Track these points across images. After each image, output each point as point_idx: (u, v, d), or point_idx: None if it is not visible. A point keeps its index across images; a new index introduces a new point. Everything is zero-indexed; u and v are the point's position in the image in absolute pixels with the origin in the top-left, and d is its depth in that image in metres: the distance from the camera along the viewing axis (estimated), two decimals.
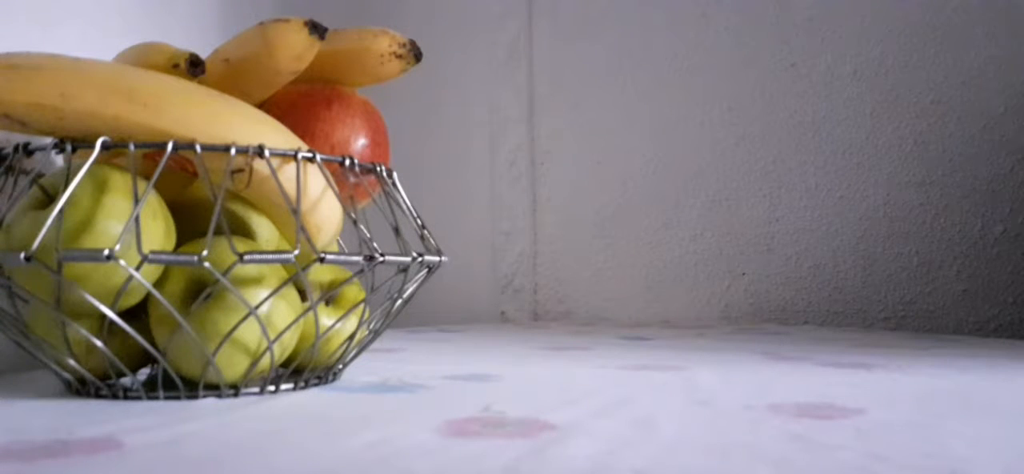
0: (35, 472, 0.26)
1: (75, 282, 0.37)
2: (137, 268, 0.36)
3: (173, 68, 0.43)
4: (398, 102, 0.73)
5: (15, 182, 0.40)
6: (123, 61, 0.45)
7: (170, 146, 0.38)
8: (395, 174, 0.47)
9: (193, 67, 0.43)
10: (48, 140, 0.39)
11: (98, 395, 0.40)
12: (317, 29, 0.45)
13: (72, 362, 0.39)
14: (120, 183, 0.38)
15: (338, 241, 0.51)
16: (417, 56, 0.51)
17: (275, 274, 0.41)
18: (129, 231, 0.36)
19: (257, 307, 0.38)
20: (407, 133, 0.78)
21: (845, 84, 0.90)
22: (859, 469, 0.26)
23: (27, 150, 0.39)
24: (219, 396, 0.40)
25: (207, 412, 0.37)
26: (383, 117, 0.52)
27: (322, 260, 0.38)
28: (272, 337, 0.39)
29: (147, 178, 0.38)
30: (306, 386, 0.44)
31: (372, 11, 0.93)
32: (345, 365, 0.47)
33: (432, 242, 0.47)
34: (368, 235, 0.44)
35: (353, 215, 0.43)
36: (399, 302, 0.45)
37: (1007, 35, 0.83)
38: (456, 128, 1.05)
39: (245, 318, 0.38)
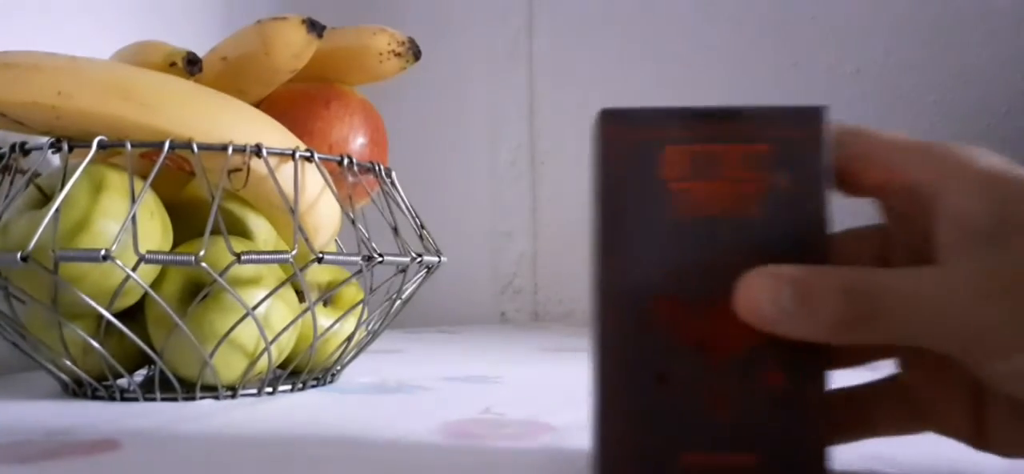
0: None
1: (72, 282, 0.36)
2: (134, 268, 0.35)
3: (170, 67, 0.43)
4: (397, 101, 0.72)
5: (11, 182, 0.40)
6: (120, 60, 0.45)
7: (167, 145, 0.37)
8: (394, 173, 0.47)
9: (190, 65, 0.43)
10: (45, 139, 0.38)
11: (95, 396, 0.40)
12: (315, 27, 0.45)
13: (69, 363, 0.39)
14: (117, 182, 0.38)
15: (336, 241, 0.51)
16: (416, 54, 0.51)
17: (273, 274, 0.41)
18: (126, 231, 0.35)
19: (255, 308, 0.38)
20: (406, 132, 0.78)
21: (847, 83, 0.90)
22: (860, 469, 0.26)
23: (24, 149, 0.39)
24: (216, 398, 0.40)
25: (204, 414, 0.37)
26: (382, 116, 0.52)
27: (320, 260, 0.38)
28: (270, 338, 0.39)
29: (144, 177, 0.38)
30: (304, 387, 0.44)
31: (371, 9, 0.93)
32: (343, 366, 0.47)
33: (431, 242, 0.47)
34: (367, 235, 0.44)
35: (351, 215, 0.42)
36: (398, 303, 0.45)
37: (1010, 34, 0.83)
38: (456, 128, 1.05)
39: (242, 319, 0.38)
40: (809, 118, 0.22)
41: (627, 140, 0.23)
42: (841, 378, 0.27)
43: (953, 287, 0.21)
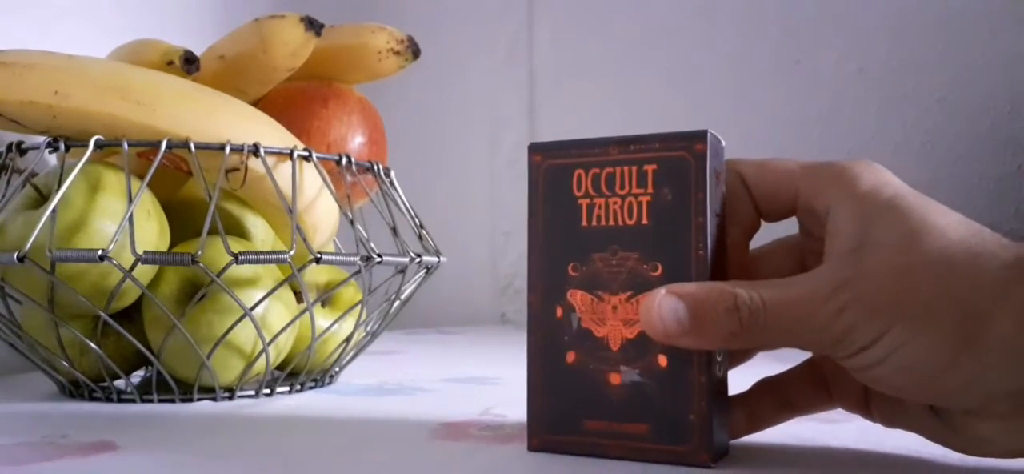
0: None
1: (68, 282, 0.36)
2: (131, 269, 0.35)
3: (168, 65, 0.42)
4: (396, 100, 0.72)
5: (8, 181, 0.39)
6: (117, 58, 0.45)
7: (164, 144, 0.37)
8: (392, 173, 0.47)
9: (188, 64, 0.42)
10: (41, 138, 0.38)
11: (92, 398, 0.40)
12: (313, 25, 0.44)
13: (65, 364, 0.39)
14: (114, 182, 0.38)
15: (334, 241, 0.50)
16: (415, 53, 0.51)
17: (271, 275, 0.41)
18: (123, 231, 0.35)
19: (252, 308, 0.38)
20: (405, 131, 0.78)
21: (851, 82, 0.90)
22: (863, 470, 0.26)
23: (20, 149, 0.39)
24: (214, 399, 0.40)
25: (202, 415, 0.36)
26: (380, 115, 0.52)
27: (318, 260, 0.37)
28: (268, 339, 0.39)
29: (141, 177, 0.37)
30: (302, 389, 0.43)
31: (370, 8, 0.93)
32: (342, 368, 0.46)
33: (430, 242, 0.46)
34: (365, 235, 0.44)
35: (350, 214, 0.42)
36: (397, 303, 0.45)
37: (1014, 33, 0.82)
38: (455, 126, 1.05)
39: (240, 319, 0.38)
40: (691, 139, 0.26)
41: (548, 165, 0.28)
42: (764, 368, 0.30)
43: (814, 299, 0.24)
